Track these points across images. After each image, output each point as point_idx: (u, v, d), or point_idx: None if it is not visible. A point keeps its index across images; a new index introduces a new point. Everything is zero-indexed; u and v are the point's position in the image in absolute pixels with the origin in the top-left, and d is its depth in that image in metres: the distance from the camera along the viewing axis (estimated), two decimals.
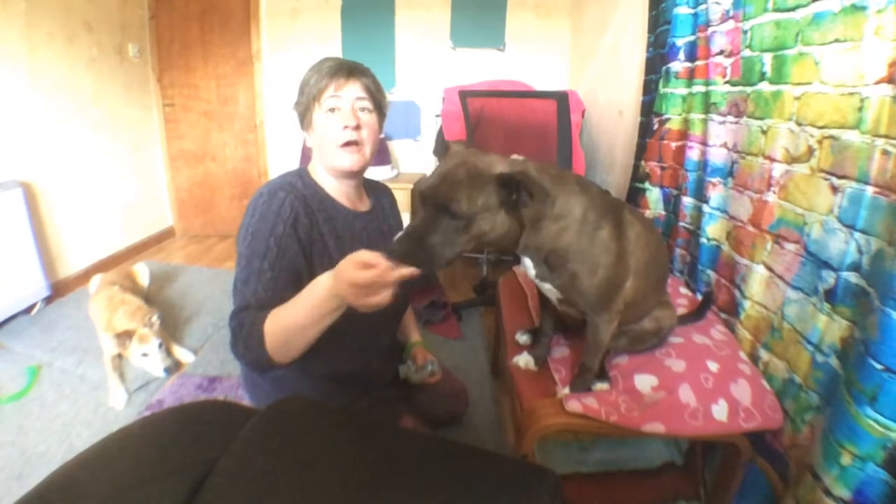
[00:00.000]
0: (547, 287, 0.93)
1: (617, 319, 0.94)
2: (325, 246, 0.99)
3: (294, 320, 0.81)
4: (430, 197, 0.74)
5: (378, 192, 1.21)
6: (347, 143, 0.98)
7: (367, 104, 1.00)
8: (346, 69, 0.97)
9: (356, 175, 1.06)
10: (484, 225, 0.75)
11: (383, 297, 0.72)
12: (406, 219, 3.19)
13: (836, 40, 0.88)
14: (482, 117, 2.27)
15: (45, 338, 1.98)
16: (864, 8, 0.82)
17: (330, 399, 1.09)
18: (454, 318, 2.20)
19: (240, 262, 0.92)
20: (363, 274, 0.70)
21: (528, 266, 0.92)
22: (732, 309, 1.19)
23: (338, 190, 1.06)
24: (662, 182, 1.63)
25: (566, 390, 0.99)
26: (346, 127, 0.97)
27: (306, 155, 2.92)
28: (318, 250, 0.98)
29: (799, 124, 0.98)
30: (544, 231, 0.83)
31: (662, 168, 1.62)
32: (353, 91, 0.98)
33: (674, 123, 1.53)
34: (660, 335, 1.05)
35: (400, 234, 0.74)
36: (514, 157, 0.84)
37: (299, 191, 0.97)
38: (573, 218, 0.83)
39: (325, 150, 1.00)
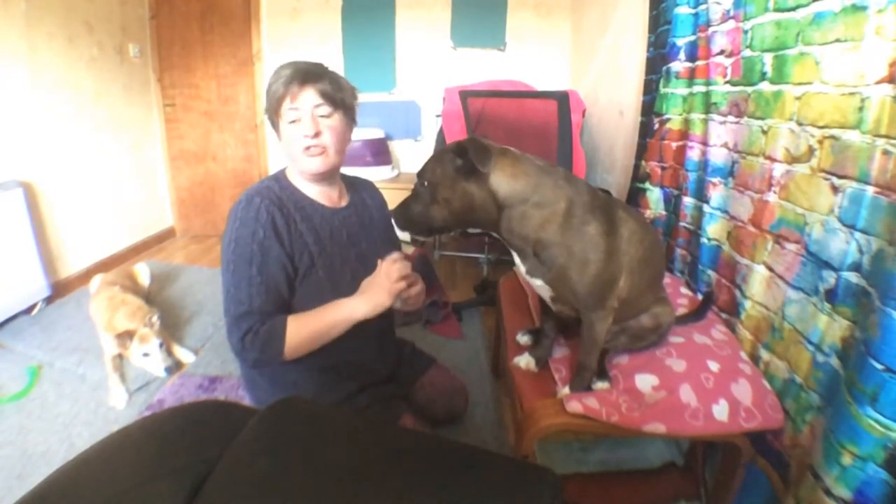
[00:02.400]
0: (538, 283, 0.94)
1: (611, 316, 0.94)
2: (304, 243, 1.03)
3: (317, 330, 0.99)
4: (417, 175, 0.90)
5: (359, 187, 1.24)
6: (309, 148, 1.01)
7: (326, 109, 1.01)
8: (300, 77, 0.99)
9: (327, 176, 1.09)
10: (445, 192, 0.86)
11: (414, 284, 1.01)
12: None
13: (837, 40, 0.88)
14: (483, 117, 2.28)
15: (45, 338, 1.99)
16: (864, 8, 0.82)
17: (327, 392, 1.10)
18: (454, 318, 2.20)
19: (228, 268, 0.98)
20: (402, 265, 0.96)
21: (519, 264, 0.94)
22: (733, 309, 1.19)
23: (314, 190, 1.10)
24: (663, 182, 1.63)
25: (566, 390, 0.99)
26: (305, 136, 1.00)
27: None
28: (297, 248, 1.02)
29: (800, 124, 0.98)
30: (527, 218, 0.85)
31: (663, 168, 1.62)
32: (308, 99, 1.00)
33: (674, 123, 1.53)
34: (659, 332, 1.05)
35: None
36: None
37: (275, 194, 1.03)
38: (557, 209, 0.85)
39: (294, 157, 1.04)
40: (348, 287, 1.05)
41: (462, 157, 0.83)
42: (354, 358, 1.13)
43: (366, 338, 1.13)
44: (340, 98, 1.04)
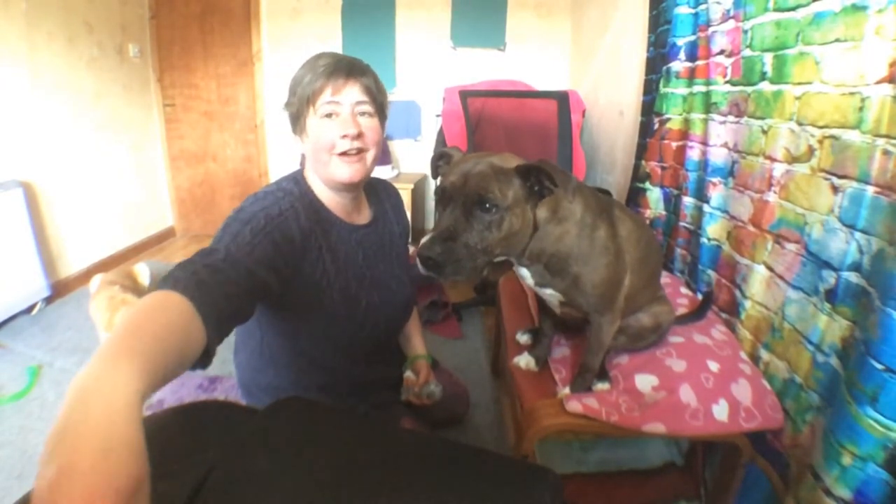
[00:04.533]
0: (549, 292, 0.93)
1: (619, 319, 0.94)
2: (322, 259, 0.90)
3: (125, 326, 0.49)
4: (459, 192, 0.71)
5: (381, 194, 1.11)
6: (347, 153, 0.87)
7: (368, 108, 0.89)
8: (345, 69, 0.87)
9: (356, 187, 0.94)
10: (515, 220, 0.74)
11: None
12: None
13: (837, 40, 0.88)
14: (482, 117, 2.28)
15: (45, 338, 1.99)
16: (864, 8, 0.82)
17: None
18: (454, 318, 2.20)
19: (220, 229, 0.77)
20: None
21: (526, 276, 0.91)
22: (733, 309, 1.19)
23: (333, 201, 0.95)
24: (663, 182, 1.63)
25: (567, 390, 0.99)
26: (345, 136, 0.86)
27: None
28: (312, 257, 0.88)
29: (800, 124, 0.98)
30: (547, 235, 0.82)
31: (663, 168, 1.62)
32: (352, 94, 0.87)
33: (674, 123, 1.53)
34: (659, 331, 1.05)
35: (428, 237, 0.69)
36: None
37: (296, 196, 0.89)
38: (574, 220, 0.83)
39: (321, 159, 0.88)
40: (362, 315, 0.97)
41: (529, 182, 0.74)
42: (356, 380, 1.09)
43: (367, 362, 1.09)
44: (381, 101, 0.92)
